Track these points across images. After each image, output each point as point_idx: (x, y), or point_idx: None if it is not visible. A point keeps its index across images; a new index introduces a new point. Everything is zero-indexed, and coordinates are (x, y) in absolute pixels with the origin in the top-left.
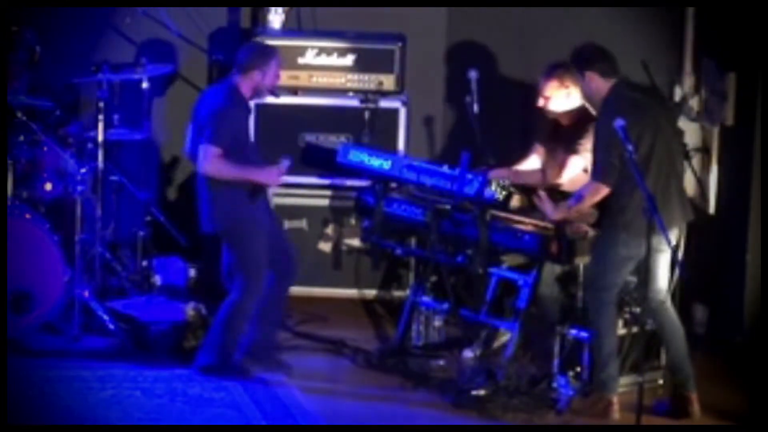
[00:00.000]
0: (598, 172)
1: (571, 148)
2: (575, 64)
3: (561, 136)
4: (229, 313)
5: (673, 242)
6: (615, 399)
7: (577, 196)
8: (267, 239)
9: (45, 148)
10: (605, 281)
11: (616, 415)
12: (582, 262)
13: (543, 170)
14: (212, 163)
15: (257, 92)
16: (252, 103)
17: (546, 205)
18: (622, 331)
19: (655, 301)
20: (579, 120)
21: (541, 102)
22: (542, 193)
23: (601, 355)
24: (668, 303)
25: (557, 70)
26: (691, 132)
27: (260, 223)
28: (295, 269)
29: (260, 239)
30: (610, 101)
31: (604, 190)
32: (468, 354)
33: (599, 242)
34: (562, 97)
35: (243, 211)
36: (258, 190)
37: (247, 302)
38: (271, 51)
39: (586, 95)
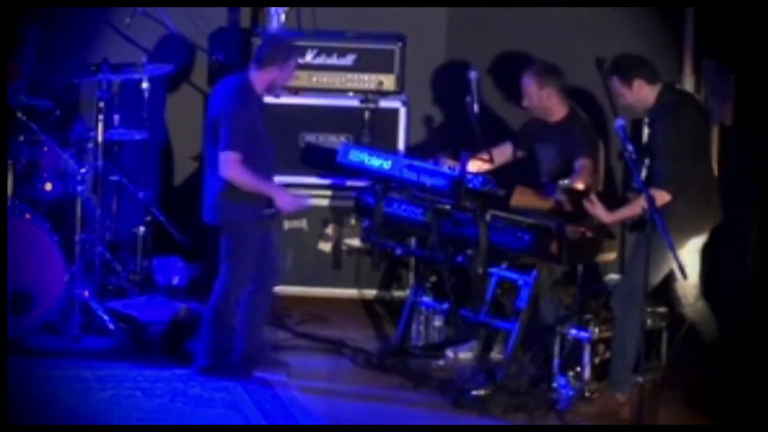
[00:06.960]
0: (665, 180)
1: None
2: (619, 75)
3: (551, 134)
4: (214, 311)
5: (700, 245)
6: (626, 399)
7: (635, 202)
8: (260, 241)
9: (45, 148)
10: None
11: (627, 415)
12: (582, 263)
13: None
14: (234, 169)
15: (271, 89)
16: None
17: (598, 209)
18: None
19: (694, 297)
20: (566, 117)
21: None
22: (594, 198)
23: (625, 355)
24: (702, 299)
25: (533, 69)
26: None
27: (261, 223)
28: (278, 273)
29: (257, 235)
30: (672, 110)
31: (665, 197)
32: (456, 353)
33: (647, 244)
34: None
35: (250, 208)
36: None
37: (231, 295)
38: (292, 47)
39: (632, 103)
